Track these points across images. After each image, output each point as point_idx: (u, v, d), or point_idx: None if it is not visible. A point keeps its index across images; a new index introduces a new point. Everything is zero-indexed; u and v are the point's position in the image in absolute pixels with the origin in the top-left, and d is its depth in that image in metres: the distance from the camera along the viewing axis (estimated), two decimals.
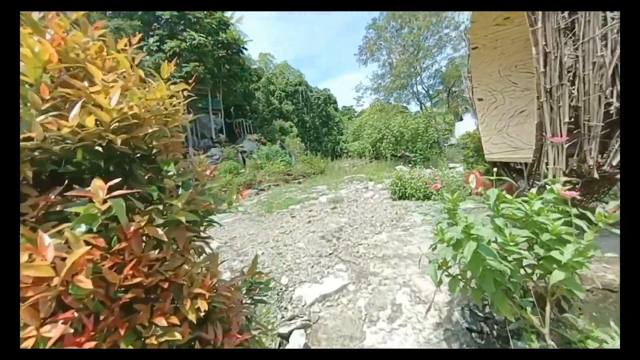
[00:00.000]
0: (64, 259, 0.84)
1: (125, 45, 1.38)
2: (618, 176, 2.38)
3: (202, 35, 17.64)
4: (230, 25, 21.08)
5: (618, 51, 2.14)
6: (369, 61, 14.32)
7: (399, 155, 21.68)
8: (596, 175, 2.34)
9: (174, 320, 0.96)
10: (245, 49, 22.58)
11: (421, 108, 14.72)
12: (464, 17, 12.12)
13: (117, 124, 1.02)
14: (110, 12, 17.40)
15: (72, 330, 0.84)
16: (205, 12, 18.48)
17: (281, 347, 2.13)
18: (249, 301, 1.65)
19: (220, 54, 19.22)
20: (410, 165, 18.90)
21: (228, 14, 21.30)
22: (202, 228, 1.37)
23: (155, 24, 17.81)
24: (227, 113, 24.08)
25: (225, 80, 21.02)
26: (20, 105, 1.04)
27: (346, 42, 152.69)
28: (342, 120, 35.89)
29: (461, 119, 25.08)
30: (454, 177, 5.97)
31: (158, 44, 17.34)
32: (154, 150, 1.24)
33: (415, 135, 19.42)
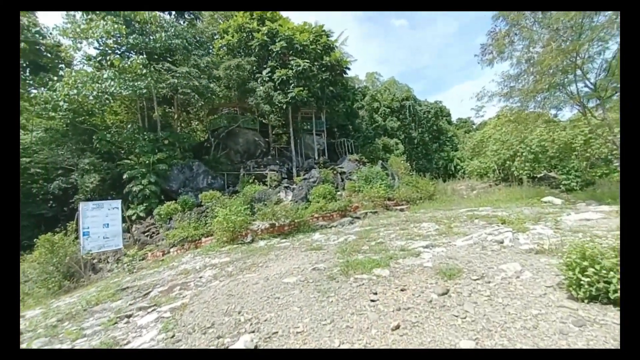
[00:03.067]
0: None
1: None
2: None
3: (307, 61, 17.62)
4: (335, 48, 20.63)
5: None
6: (495, 61, 10.78)
7: (538, 176, 16.21)
8: None
9: None
10: (349, 69, 21.71)
11: (584, 113, 10.09)
12: None
13: None
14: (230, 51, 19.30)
15: None
16: (311, 39, 18.54)
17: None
18: None
19: (324, 77, 18.85)
20: (560, 190, 13.64)
21: (333, 37, 20.98)
22: None
23: (268, 57, 18.84)
24: (331, 133, 23.60)
25: (328, 102, 20.53)
26: None
27: (459, 49, 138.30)
28: (456, 135, 30.81)
29: None
30: None
31: (270, 74, 18.22)
32: None
33: (567, 150, 13.99)
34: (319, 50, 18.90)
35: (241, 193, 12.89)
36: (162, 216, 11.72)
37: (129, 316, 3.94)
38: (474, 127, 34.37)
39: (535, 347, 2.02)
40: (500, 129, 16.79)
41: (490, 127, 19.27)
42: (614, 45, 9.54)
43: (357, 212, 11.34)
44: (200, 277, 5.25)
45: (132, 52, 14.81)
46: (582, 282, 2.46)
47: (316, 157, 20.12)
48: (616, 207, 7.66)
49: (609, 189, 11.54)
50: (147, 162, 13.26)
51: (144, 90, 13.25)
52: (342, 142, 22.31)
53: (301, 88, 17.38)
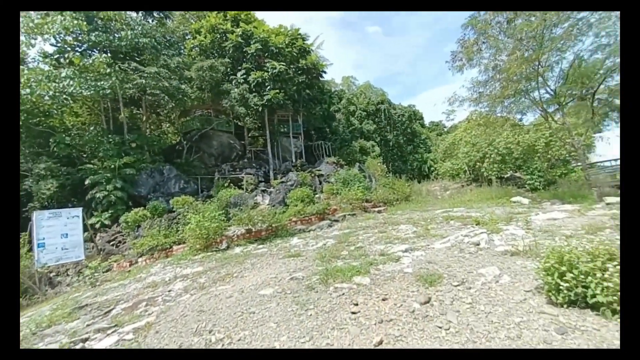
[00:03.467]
0: None
1: None
2: None
3: (282, 64, 17.37)
4: (311, 51, 20.54)
5: None
6: (465, 68, 11.14)
7: (505, 177, 17.00)
8: None
9: None
10: (325, 72, 21.69)
11: (545, 118, 10.64)
12: None
13: None
14: (201, 51, 18.61)
15: None
16: (286, 41, 18.32)
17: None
18: None
19: (300, 80, 18.67)
20: (525, 190, 14.33)
21: (309, 41, 20.87)
22: None
23: (243, 59, 18.37)
24: (308, 136, 23.44)
25: (305, 105, 20.37)
26: None
27: (430, 56, 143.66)
28: (429, 137, 31.75)
29: (599, 131, 18.69)
30: None
31: (245, 76, 17.75)
32: None
33: (530, 151, 14.77)
34: (294, 54, 18.72)
35: (216, 198, 12.38)
36: (130, 224, 10.97)
37: (84, 340, 3.52)
38: (446, 130, 35.62)
39: (536, 348, 2.00)
40: (470, 132, 17.44)
41: (461, 131, 20.01)
42: (570, 56, 10.17)
43: (335, 215, 11.23)
44: (169, 291, 4.86)
45: (94, 50, 13.85)
46: (561, 287, 2.45)
47: (293, 160, 19.86)
48: (578, 206, 8.09)
49: (568, 188, 12.28)
50: (112, 166, 12.39)
51: (108, 91, 12.40)
52: (320, 145, 22.22)
53: (277, 90, 17.10)
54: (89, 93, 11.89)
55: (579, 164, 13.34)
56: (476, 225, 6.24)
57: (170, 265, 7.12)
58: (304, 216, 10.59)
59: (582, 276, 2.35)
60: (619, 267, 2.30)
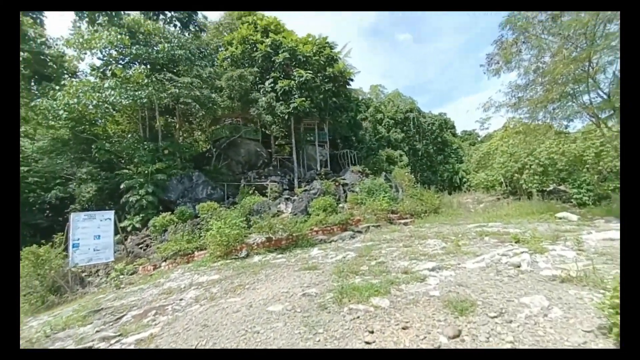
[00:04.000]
0: None
1: None
2: None
3: (309, 72, 17.40)
4: (338, 59, 20.45)
5: None
6: (502, 71, 10.32)
7: (547, 190, 15.47)
8: None
9: None
10: (352, 80, 21.48)
11: (597, 124, 9.52)
12: None
13: None
14: (230, 60, 19.18)
15: None
16: (314, 50, 18.37)
17: None
18: None
19: (327, 87, 18.58)
20: (571, 205, 12.87)
21: (336, 49, 20.81)
22: None
23: (271, 68, 18.68)
24: (334, 144, 23.19)
25: (331, 113, 20.21)
26: None
27: (464, 62, 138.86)
28: (461, 147, 30.17)
29: None
30: None
31: (272, 85, 18.00)
32: None
33: (577, 162, 13.29)
34: (322, 62, 18.70)
35: (239, 204, 12.40)
36: (157, 228, 11.25)
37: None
38: (479, 139, 33.76)
39: (536, 347, 1.91)
40: (507, 141, 16.20)
41: (497, 139, 18.68)
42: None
43: (358, 226, 10.73)
44: (181, 299, 4.70)
45: (135, 62, 14.71)
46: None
47: (318, 169, 19.65)
48: None
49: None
50: (145, 171, 12.90)
51: (145, 100, 13.03)
52: (345, 154, 21.85)
53: (304, 99, 17.08)
54: (127, 102, 12.56)
55: None
56: (515, 243, 5.50)
57: (190, 271, 7.06)
58: (326, 226, 10.22)
59: None
60: None
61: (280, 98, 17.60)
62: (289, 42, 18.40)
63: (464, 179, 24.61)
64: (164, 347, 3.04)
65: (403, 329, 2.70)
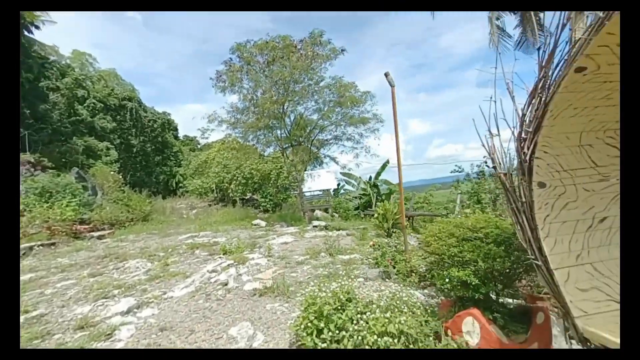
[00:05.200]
0: None
1: None
2: None
3: None
4: None
5: None
6: (227, 91, 11.10)
7: (246, 198, 18.64)
8: None
9: None
10: (37, 27, 14.51)
11: (282, 153, 12.60)
12: (331, 72, 11.27)
13: None
14: None
15: None
16: None
17: None
18: None
19: None
20: (259, 210, 16.24)
21: None
22: None
23: None
24: None
25: None
26: None
27: (195, 69, 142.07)
28: (181, 151, 29.53)
29: (305, 169, 25.23)
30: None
31: None
32: None
33: (266, 178, 17.10)
34: None
35: None
36: None
37: None
38: (199, 147, 34.87)
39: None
40: (223, 154, 17.74)
41: (215, 150, 19.99)
42: (301, 109, 12.87)
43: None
44: None
45: None
46: (319, 346, 2.13)
47: None
48: (298, 229, 9.78)
49: (287, 210, 15.22)
50: None
51: None
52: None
53: None
54: None
55: (296, 192, 17.10)
56: (223, 255, 5.65)
57: None
58: None
59: (337, 331, 2.16)
60: (364, 315, 2.28)
61: None
62: None
63: (181, 184, 24.07)
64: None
65: None
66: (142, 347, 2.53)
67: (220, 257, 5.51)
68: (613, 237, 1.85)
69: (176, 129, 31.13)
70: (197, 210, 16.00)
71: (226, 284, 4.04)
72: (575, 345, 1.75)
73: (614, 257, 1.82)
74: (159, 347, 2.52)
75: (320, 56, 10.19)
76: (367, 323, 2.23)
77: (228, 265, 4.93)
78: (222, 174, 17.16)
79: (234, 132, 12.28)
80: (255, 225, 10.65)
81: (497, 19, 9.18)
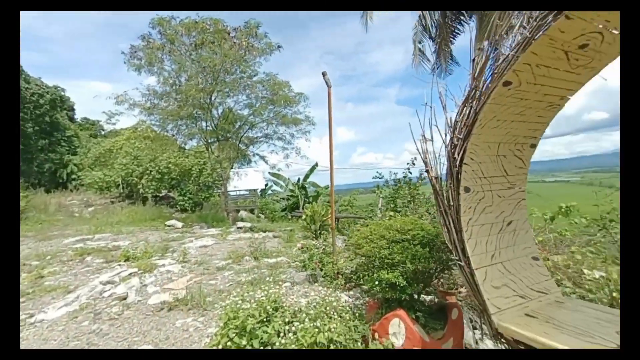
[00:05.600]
0: None
1: None
2: None
3: None
4: None
5: None
6: (144, 70, 9.58)
7: (160, 195, 16.50)
8: None
9: None
10: None
11: (207, 148, 11.54)
12: (265, 68, 10.69)
13: None
14: None
15: None
16: None
17: None
18: None
19: None
20: (176, 210, 14.51)
21: None
22: None
23: None
24: None
25: None
26: None
27: (102, 41, 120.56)
28: (78, 136, 24.45)
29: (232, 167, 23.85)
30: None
31: None
32: None
33: (186, 174, 15.43)
34: None
35: None
36: None
37: None
38: (103, 132, 29.50)
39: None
40: (134, 143, 15.33)
41: (124, 138, 17.14)
42: (230, 102, 12.00)
43: None
44: None
45: None
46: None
47: None
48: (220, 230, 9.01)
49: (209, 210, 14.00)
50: None
51: None
52: None
53: None
54: None
55: (219, 190, 15.89)
56: (125, 262, 4.69)
57: None
58: None
59: (262, 347, 1.88)
60: (292, 326, 2.06)
61: None
62: None
63: (75, 176, 19.89)
64: None
65: None
66: None
67: (120, 265, 4.56)
68: (517, 238, 2.08)
69: (72, 109, 25.74)
70: (95, 207, 13.37)
71: (125, 298, 3.29)
72: (488, 341, 1.86)
73: (517, 257, 2.04)
74: (159, 348, 2.34)
75: (255, 48, 9.66)
76: (295, 335, 2.02)
77: (130, 274, 4.09)
78: (132, 166, 14.78)
79: (149, 119, 10.67)
80: (169, 226, 9.40)
81: (419, 42, 10.25)
